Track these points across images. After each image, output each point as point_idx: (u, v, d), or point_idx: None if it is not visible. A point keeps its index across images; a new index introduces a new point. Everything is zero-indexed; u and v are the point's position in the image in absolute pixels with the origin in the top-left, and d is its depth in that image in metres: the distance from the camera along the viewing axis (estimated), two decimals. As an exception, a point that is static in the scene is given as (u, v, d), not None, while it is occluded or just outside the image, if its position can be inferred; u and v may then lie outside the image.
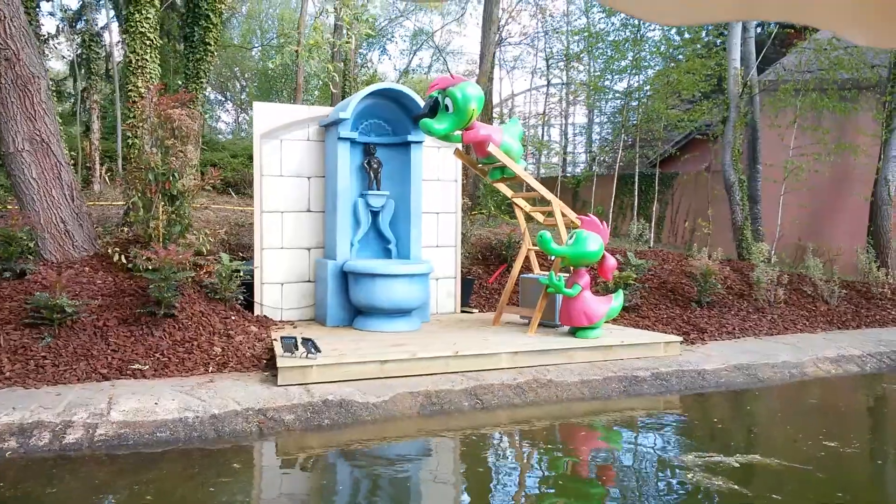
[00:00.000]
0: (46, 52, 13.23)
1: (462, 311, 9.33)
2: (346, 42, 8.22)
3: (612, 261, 7.42)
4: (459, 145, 7.76)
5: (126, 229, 8.08)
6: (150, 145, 7.28)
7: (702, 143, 18.00)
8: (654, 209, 14.95)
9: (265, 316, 8.17)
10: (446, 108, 6.88)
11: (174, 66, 14.26)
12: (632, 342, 7.26)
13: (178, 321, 6.81)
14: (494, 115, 22.40)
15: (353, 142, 8.15)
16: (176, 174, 7.34)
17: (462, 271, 10.40)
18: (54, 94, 13.36)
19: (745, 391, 6.76)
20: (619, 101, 18.55)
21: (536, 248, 7.70)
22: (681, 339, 7.63)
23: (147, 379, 5.99)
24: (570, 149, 23.32)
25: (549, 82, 16.88)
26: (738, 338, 8.68)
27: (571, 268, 7.45)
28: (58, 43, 14.57)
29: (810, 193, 14.04)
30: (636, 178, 16.41)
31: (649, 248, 13.42)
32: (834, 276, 10.68)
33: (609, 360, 7.05)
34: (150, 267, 6.70)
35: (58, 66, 20.46)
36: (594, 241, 7.24)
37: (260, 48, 24.93)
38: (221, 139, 23.62)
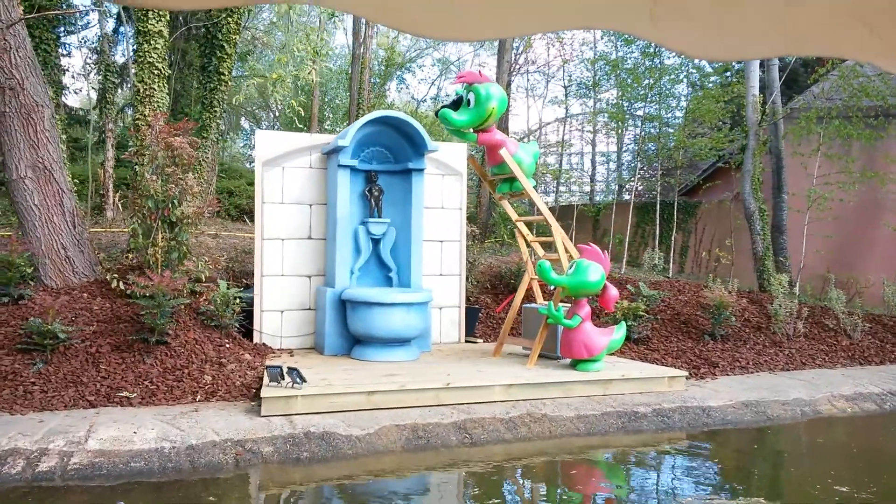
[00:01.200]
0: (68, 84, 13.58)
1: (467, 341, 9.16)
2: (308, 74, 8.20)
3: (613, 291, 7.21)
4: (472, 151, 7.70)
5: (131, 255, 8.13)
6: (150, 172, 7.32)
7: (726, 171, 17.66)
8: (672, 238, 14.63)
9: (264, 344, 8.10)
10: (468, 102, 6.91)
11: (196, 96, 14.50)
12: (633, 376, 7.00)
13: (170, 348, 6.77)
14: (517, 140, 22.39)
15: (353, 169, 8.12)
16: (175, 201, 7.36)
17: (470, 300, 10.26)
18: (75, 124, 13.65)
19: (752, 429, 6.45)
20: (639, 130, 18.40)
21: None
22: (686, 373, 7.35)
23: (133, 407, 5.93)
24: (594, 177, 23.15)
25: (567, 110, 16.78)
26: (752, 373, 8.34)
27: (572, 298, 7.25)
28: (84, 74, 14.98)
29: (837, 224, 13.60)
30: (657, 206, 16.13)
31: (667, 278, 13.10)
32: (857, 309, 10.25)
33: (609, 395, 6.80)
34: (143, 293, 6.68)
35: (83, 97, 21.08)
36: (595, 270, 7.05)
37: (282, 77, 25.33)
38: (248, 167, 23.98)
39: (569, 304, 7.37)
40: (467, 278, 10.12)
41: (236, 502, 4.62)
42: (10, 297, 6.90)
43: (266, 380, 6.05)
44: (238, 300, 7.49)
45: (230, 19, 11.27)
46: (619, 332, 7.24)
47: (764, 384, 7.65)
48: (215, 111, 11.36)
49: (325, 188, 8.40)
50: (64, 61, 14.11)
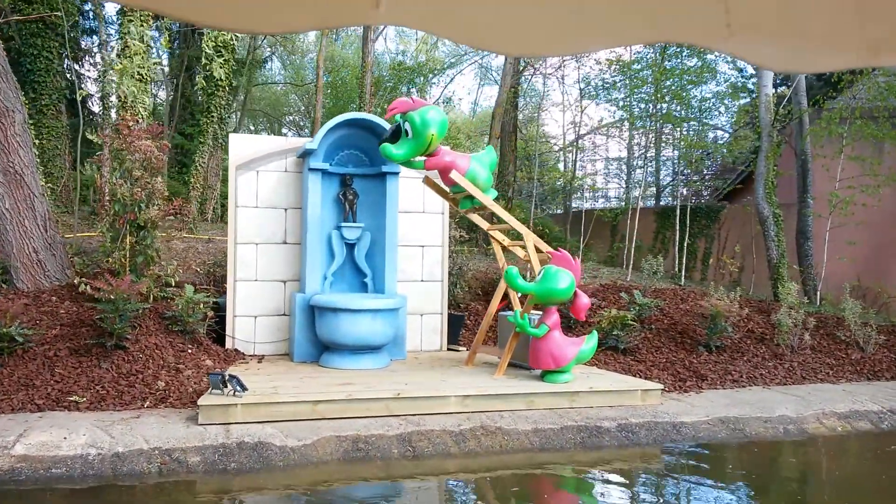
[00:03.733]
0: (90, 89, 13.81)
1: (449, 349, 8.91)
2: (156, 63, 7.95)
3: (584, 299, 6.88)
4: (428, 173, 7.44)
5: (109, 259, 8.15)
6: (118, 176, 7.31)
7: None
8: (685, 244, 14.07)
9: (236, 350, 8.02)
10: (406, 133, 6.63)
11: (203, 105, 14.64)
12: (603, 388, 6.65)
13: (129, 353, 6.72)
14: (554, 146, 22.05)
15: (326, 172, 7.98)
16: (142, 205, 7.34)
17: (461, 307, 10.01)
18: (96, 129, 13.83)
19: (722, 448, 6.04)
20: (677, 132, 17.83)
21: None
22: (661, 386, 6.95)
23: (80, 412, 5.88)
24: (629, 181, 22.57)
25: (582, 110, 16.36)
26: (744, 387, 7.88)
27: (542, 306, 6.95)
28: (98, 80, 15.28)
29: (865, 230, 12.87)
30: (678, 211, 15.58)
31: (678, 285, 12.60)
32: (871, 321, 9.63)
33: (575, 408, 6.47)
34: (102, 297, 6.66)
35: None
36: (564, 277, 6.73)
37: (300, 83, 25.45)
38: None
39: (540, 313, 7.07)
40: (456, 284, 9.88)
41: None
42: (-23, 299, 6.96)
43: (210, 388, 5.93)
44: (203, 305, 7.41)
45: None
46: (589, 343, 6.90)
47: (750, 399, 7.20)
48: (212, 116, 11.39)
49: (301, 192, 8.28)
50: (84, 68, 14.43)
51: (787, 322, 9.09)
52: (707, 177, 23.57)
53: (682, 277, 13.56)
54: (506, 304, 9.71)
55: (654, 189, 24.06)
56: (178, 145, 15.56)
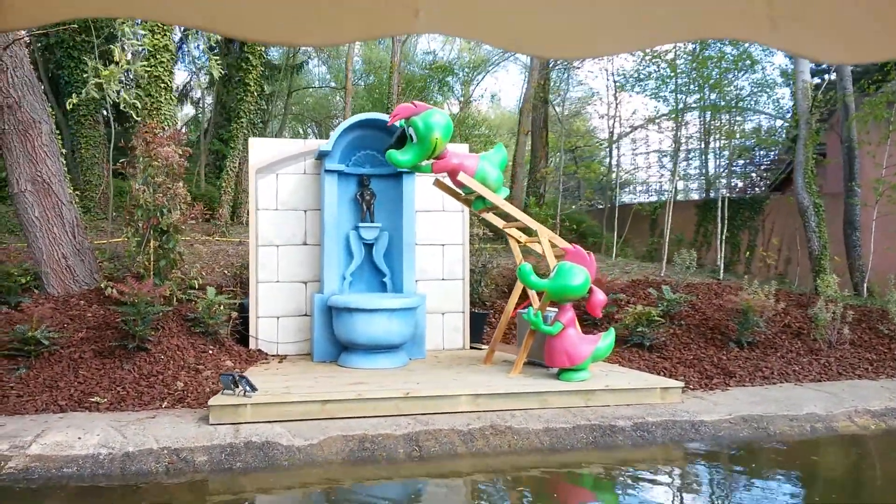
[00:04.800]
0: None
1: (472, 347, 8.86)
2: (146, 68, 7.91)
3: (600, 295, 6.73)
4: (438, 175, 7.41)
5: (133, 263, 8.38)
6: (140, 183, 7.50)
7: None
8: (723, 236, 13.62)
9: (259, 350, 8.14)
10: (410, 138, 6.61)
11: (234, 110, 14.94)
12: (619, 387, 6.50)
13: (151, 354, 6.89)
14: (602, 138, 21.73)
15: (342, 174, 8.03)
16: (164, 210, 7.51)
17: (486, 304, 9.94)
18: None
19: (740, 447, 5.82)
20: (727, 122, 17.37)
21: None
22: (682, 384, 6.74)
23: (100, 412, 6.05)
24: (674, 173, 22.07)
25: (617, 103, 16.05)
26: (775, 383, 7.59)
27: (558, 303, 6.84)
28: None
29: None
30: (719, 203, 15.13)
31: (717, 279, 12.24)
32: (917, 313, 9.15)
33: (590, 407, 6.34)
34: (125, 301, 6.84)
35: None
36: (578, 273, 6.60)
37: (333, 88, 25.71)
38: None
39: (555, 310, 6.95)
40: (480, 282, 9.82)
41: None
42: (8, 304, 7.24)
43: (222, 388, 6.03)
44: (224, 306, 7.54)
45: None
46: (605, 340, 6.75)
47: (779, 396, 6.92)
48: (241, 122, 11.60)
49: (319, 194, 8.35)
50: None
51: (823, 316, 8.71)
52: (763, 167, 22.85)
53: (722, 271, 13.15)
54: (528, 302, 9.63)
55: (704, 181, 23.48)
56: (217, 150, 15.93)
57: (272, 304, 8.25)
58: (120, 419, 5.79)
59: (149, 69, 8.81)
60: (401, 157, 6.57)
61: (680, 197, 22.35)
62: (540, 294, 7.26)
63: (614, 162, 17.97)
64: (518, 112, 15.65)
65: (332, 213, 7.87)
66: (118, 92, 7.07)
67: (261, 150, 8.25)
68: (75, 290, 7.76)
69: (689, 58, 14.42)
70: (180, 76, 22.77)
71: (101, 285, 7.54)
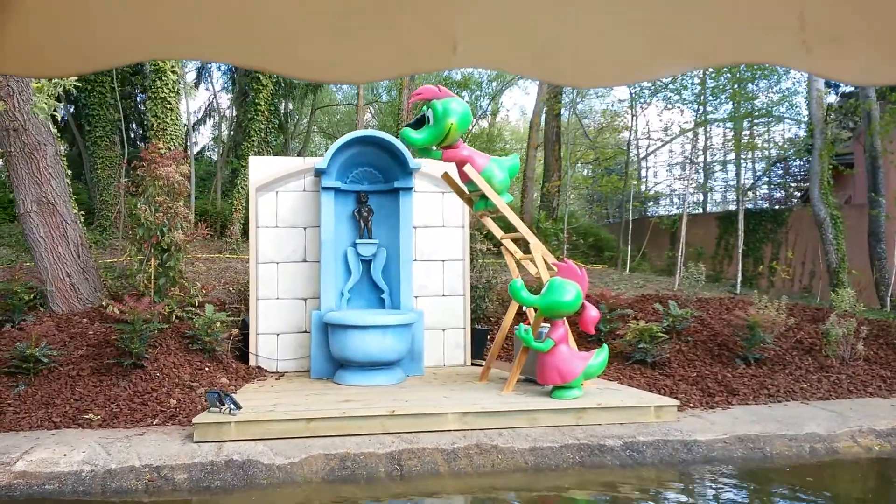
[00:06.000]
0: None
1: (473, 364, 8.78)
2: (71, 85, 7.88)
3: (593, 312, 6.63)
4: (446, 167, 7.43)
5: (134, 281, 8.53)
6: (142, 202, 7.64)
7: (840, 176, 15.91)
8: (739, 249, 13.31)
9: (259, 367, 8.19)
10: (427, 120, 6.68)
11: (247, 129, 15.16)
12: (612, 405, 6.37)
13: (146, 372, 6.98)
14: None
15: (340, 191, 8.07)
16: (164, 229, 7.63)
17: (491, 321, 9.86)
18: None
19: (736, 469, 5.65)
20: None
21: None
22: (677, 402, 6.58)
23: (92, 429, 6.14)
24: (705, 184, 21.83)
25: (634, 116, 15.88)
26: (780, 401, 7.36)
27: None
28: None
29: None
30: (738, 216, 14.83)
31: (733, 294, 11.98)
32: (936, 328, 8.82)
33: (581, 426, 6.22)
34: (121, 319, 6.96)
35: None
36: (570, 289, 6.51)
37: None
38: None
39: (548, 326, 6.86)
40: (484, 297, 9.75)
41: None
42: (13, 322, 7.42)
43: (209, 406, 6.06)
44: (221, 324, 7.61)
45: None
46: (598, 357, 6.63)
47: (780, 415, 6.71)
48: (253, 140, 11.76)
49: (318, 211, 8.41)
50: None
51: (835, 331, 8.44)
52: (801, 176, 22.37)
53: (739, 285, 12.87)
54: (529, 319, 9.53)
55: (735, 191, 23.02)
56: (235, 168, 16.19)
57: (272, 321, 8.30)
58: (108, 436, 5.85)
59: (154, 91, 9.01)
60: (415, 135, 6.64)
61: (710, 209, 22.03)
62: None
63: (638, 173, 17.75)
64: (528, 125, 15.57)
65: (330, 229, 7.91)
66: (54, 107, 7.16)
67: (261, 168, 8.35)
68: (79, 309, 7.92)
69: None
70: (204, 95, 23.26)
71: (103, 303, 7.67)
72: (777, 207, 17.27)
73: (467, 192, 7.43)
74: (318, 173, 7.95)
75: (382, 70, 1.19)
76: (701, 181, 23.62)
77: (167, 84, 9.08)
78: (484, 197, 7.20)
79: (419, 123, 6.78)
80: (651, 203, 22.34)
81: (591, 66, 1.19)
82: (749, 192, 23.54)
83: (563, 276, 6.64)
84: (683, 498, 5.21)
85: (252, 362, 8.23)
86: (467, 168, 6.84)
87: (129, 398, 6.62)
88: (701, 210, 22.59)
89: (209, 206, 13.51)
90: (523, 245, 7.69)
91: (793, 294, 15.05)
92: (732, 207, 20.33)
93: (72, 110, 13.90)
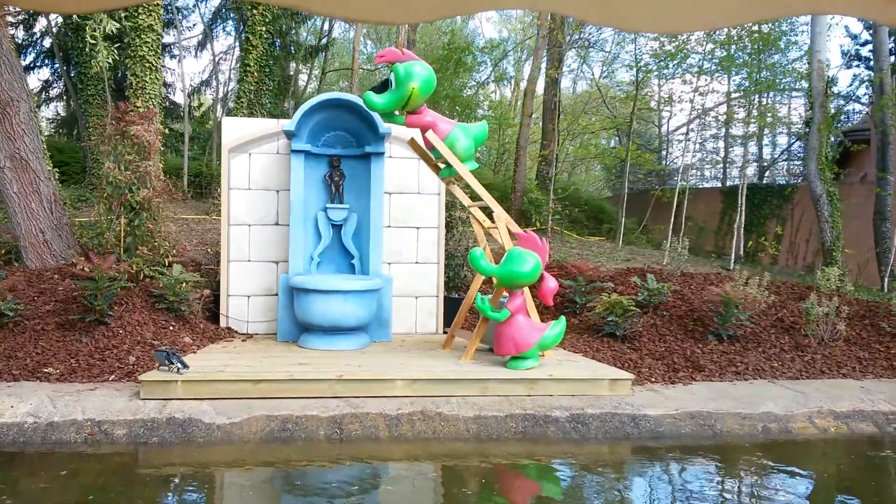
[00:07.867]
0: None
1: (444, 333, 8.76)
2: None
3: (551, 283, 6.54)
4: (412, 133, 7.33)
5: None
6: (111, 161, 7.65)
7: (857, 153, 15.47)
8: (736, 224, 13.03)
9: (229, 328, 8.24)
10: (390, 83, 6.57)
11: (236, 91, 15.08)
12: (565, 377, 6.31)
13: (110, 329, 7.05)
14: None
15: (311, 154, 8.00)
16: (133, 187, 7.64)
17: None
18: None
19: (677, 446, 5.57)
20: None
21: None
22: (632, 376, 6.50)
23: (49, 383, 6.23)
24: (725, 159, 21.36)
25: (637, 87, 15.50)
26: (746, 380, 7.24)
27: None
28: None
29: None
30: (741, 190, 14.54)
31: (727, 270, 11.78)
32: (921, 310, 8.58)
33: (531, 396, 6.17)
34: (89, 276, 7.01)
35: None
36: (529, 259, 6.42)
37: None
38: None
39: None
40: (463, 266, 9.68)
41: (26, 476, 4.65)
42: (-17, 277, 7.52)
43: (158, 364, 6.12)
44: (187, 284, 7.65)
45: (255, 11, 11.53)
46: (554, 329, 6.55)
47: (740, 393, 6.60)
48: (241, 102, 11.70)
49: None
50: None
51: (815, 310, 8.26)
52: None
53: (733, 261, 12.64)
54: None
55: (757, 166, 22.58)
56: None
57: (243, 283, 8.33)
58: (61, 390, 5.94)
59: (133, 49, 8.95)
60: (375, 99, 6.53)
61: (679, 184, 21.63)
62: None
63: (661, 145, 17.41)
64: (522, 94, 15.28)
65: (299, 193, 7.87)
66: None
67: (234, 129, 8.30)
68: (52, 264, 8.00)
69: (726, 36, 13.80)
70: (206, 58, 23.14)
71: (73, 260, 7.74)
72: (783, 183, 16.85)
73: (433, 159, 7.32)
74: (288, 136, 7.88)
75: (422, 12, 1.14)
76: (715, 156, 23.16)
77: (146, 42, 9.01)
78: (449, 164, 7.09)
79: (384, 87, 6.66)
80: (671, 177, 21.96)
81: (662, 9, 1.13)
82: (768, 168, 23.06)
83: (524, 247, 6.54)
84: (608, 473, 5.15)
85: (223, 323, 8.28)
86: (429, 134, 6.73)
87: (89, 353, 6.70)
88: (720, 184, 22.18)
89: (204, 168, 13.54)
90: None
91: (795, 271, 14.78)
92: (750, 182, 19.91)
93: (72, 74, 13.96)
